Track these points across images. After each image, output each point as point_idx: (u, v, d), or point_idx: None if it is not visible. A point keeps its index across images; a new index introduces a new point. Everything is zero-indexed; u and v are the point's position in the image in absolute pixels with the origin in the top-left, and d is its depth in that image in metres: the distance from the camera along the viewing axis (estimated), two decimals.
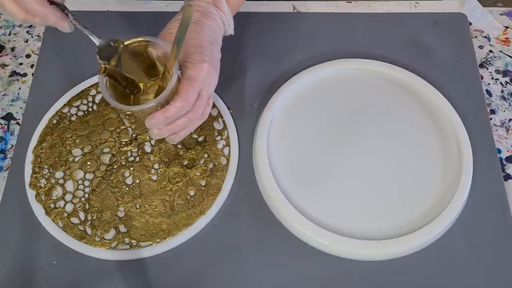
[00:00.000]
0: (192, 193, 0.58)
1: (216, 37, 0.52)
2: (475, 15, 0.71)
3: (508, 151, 0.61)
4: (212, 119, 0.62)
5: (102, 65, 0.48)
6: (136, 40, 0.49)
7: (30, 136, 0.61)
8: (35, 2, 0.47)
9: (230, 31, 0.57)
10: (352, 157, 0.59)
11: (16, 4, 0.47)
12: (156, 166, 0.59)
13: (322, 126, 0.61)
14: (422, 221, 0.55)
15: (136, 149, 0.60)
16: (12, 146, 0.63)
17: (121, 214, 0.56)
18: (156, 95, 0.49)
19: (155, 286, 0.53)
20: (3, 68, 0.69)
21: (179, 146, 0.60)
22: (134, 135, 0.61)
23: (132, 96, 0.51)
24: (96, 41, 0.50)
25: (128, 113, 0.62)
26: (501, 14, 0.72)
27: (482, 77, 0.67)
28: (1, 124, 0.65)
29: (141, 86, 0.52)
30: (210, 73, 0.49)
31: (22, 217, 0.57)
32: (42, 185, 0.58)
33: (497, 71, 0.67)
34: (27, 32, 0.72)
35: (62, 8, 0.49)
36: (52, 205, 0.57)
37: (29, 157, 0.60)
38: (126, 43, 0.49)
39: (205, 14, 0.52)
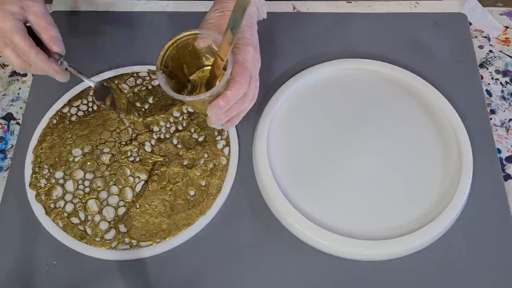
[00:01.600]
0: (192, 193, 0.58)
1: (253, 21, 0.55)
2: (475, 15, 0.71)
3: (508, 151, 0.61)
4: None
5: (158, 63, 0.50)
6: (184, 34, 0.51)
7: (30, 136, 0.61)
8: (36, 57, 0.51)
9: (263, 15, 0.59)
10: (352, 157, 0.59)
11: (16, 55, 0.51)
12: (156, 166, 0.59)
13: (322, 126, 0.61)
14: (422, 221, 0.55)
15: (136, 149, 0.60)
16: (12, 146, 0.63)
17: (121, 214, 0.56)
18: (206, 84, 0.53)
19: (155, 286, 0.53)
20: (3, 68, 0.69)
21: (179, 146, 0.60)
22: (134, 135, 0.61)
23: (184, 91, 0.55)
24: (92, 83, 0.55)
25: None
26: (501, 14, 0.72)
27: (482, 77, 0.67)
28: (1, 124, 0.65)
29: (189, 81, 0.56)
30: (255, 56, 0.52)
31: (22, 217, 0.57)
32: (42, 185, 0.58)
33: (497, 71, 0.67)
34: None
35: (58, 58, 0.53)
36: (52, 205, 0.57)
37: (29, 157, 0.60)
38: (176, 37, 0.51)
39: None
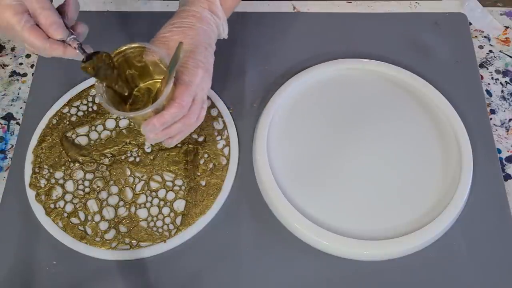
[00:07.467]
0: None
1: (210, 41, 0.53)
2: (475, 15, 0.71)
3: (508, 151, 0.61)
4: (212, 119, 0.62)
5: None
6: (131, 46, 0.50)
7: (30, 136, 0.61)
8: (51, 48, 0.46)
9: (224, 35, 0.57)
10: (352, 157, 0.59)
11: (40, 36, 0.45)
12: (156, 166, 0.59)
13: (322, 126, 0.61)
14: (422, 221, 0.55)
15: (136, 149, 0.60)
16: (12, 146, 0.63)
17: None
18: (154, 100, 0.49)
19: (155, 286, 0.53)
20: (3, 68, 0.69)
21: (179, 145, 0.60)
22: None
23: (127, 103, 0.52)
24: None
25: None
26: (501, 14, 0.72)
27: (482, 77, 0.67)
28: (1, 124, 0.65)
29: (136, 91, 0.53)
30: (204, 78, 0.50)
31: (22, 217, 0.57)
32: (42, 185, 0.58)
33: (497, 71, 0.67)
34: None
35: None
36: (52, 205, 0.57)
37: (29, 157, 0.60)
38: (121, 49, 0.49)
39: (200, 19, 0.53)
